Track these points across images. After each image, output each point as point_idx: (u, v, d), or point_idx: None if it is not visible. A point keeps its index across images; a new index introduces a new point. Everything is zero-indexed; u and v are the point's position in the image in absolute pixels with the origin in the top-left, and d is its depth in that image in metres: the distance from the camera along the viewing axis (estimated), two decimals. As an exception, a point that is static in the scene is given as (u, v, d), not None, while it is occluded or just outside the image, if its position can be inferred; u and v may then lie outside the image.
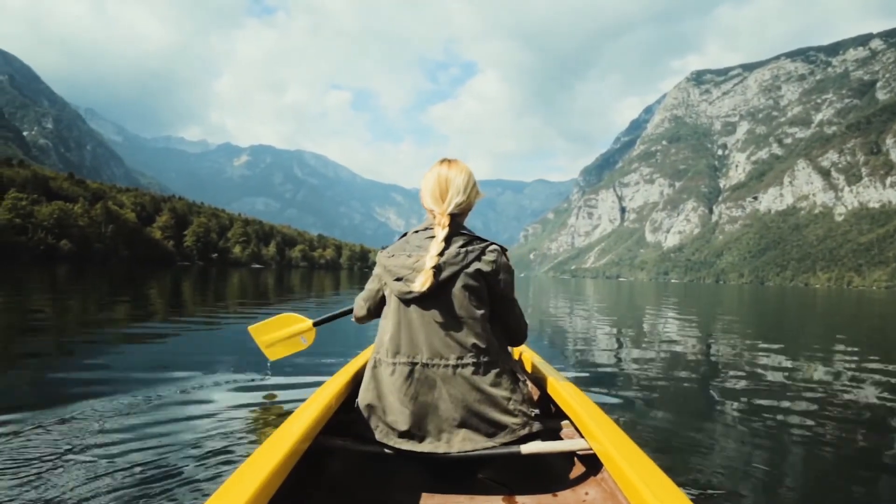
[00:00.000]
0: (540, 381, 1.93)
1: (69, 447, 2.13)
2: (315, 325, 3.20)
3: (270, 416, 2.75)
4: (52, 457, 2.03)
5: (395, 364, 1.51)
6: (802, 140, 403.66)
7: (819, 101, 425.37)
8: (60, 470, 1.91)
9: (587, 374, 4.41)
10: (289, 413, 1.52)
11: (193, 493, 1.74)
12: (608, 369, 4.80)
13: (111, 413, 2.64)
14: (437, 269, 1.48)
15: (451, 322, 1.49)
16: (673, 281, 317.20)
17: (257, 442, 2.29)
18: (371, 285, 1.69)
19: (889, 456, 2.55)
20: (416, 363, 1.49)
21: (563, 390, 1.70)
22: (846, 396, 3.82)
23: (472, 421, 1.47)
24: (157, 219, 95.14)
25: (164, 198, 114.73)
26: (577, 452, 1.53)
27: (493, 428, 1.47)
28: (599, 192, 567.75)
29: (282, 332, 3.26)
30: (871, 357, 6.01)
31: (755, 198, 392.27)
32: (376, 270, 1.65)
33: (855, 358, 5.88)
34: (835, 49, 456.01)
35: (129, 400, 2.90)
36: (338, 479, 1.52)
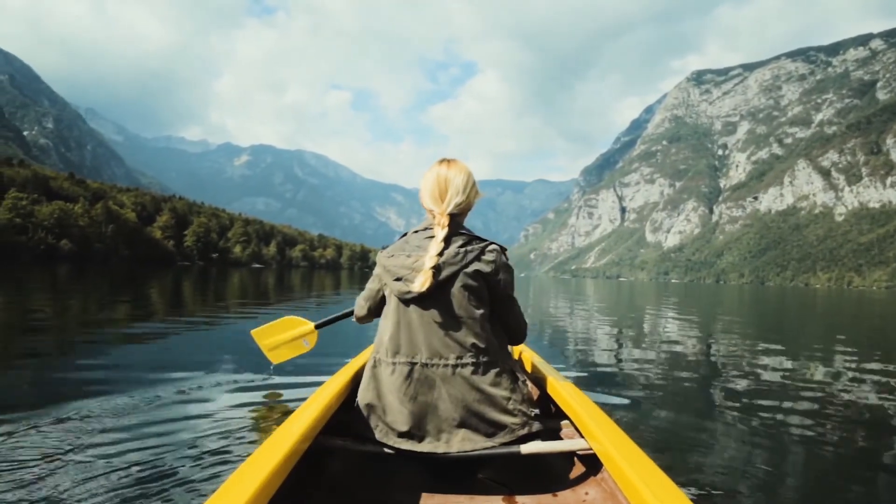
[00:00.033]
0: (540, 381, 1.93)
1: (68, 447, 2.13)
2: (317, 327, 3.21)
3: (270, 416, 2.75)
4: (52, 457, 2.03)
5: (394, 364, 1.51)
6: (803, 140, 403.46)
7: (819, 101, 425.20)
8: (60, 470, 1.91)
9: (587, 374, 4.41)
10: (289, 413, 1.52)
11: (194, 493, 1.75)
12: (608, 369, 4.80)
13: (111, 413, 2.64)
14: (437, 269, 1.48)
15: (451, 322, 1.49)
16: (673, 281, 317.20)
17: (257, 442, 2.28)
18: (371, 285, 1.70)
19: (889, 456, 2.55)
20: (416, 363, 1.49)
21: (562, 390, 1.70)
22: (846, 396, 3.82)
23: (472, 421, 1.47)
24: (158, 219, 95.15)
25: (164, 198, 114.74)
26: (577, 452, 1.53)
27: (493, 428, 1.47)
28: (600, 192, 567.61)
29: (284, 335, 3.27)
30: (872, 357, 6.01)
31: (755, 198, 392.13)
32: (376, 270, 1.65)
33: (855, 358, 5.87)
34: (835, 49, 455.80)
35: (129, 400, 2.90)
36: (338, 479, 1.52)
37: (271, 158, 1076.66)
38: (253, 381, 3.47)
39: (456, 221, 1.58)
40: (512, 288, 1.62)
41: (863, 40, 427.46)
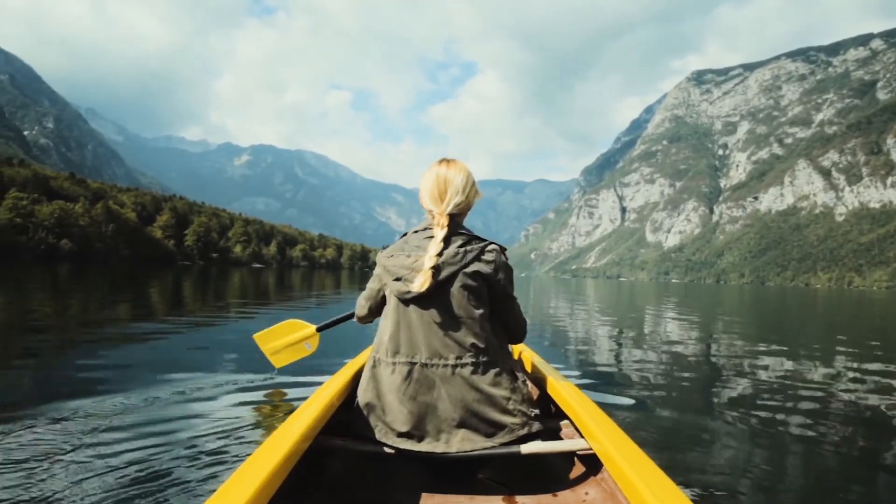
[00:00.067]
0: (540, 381, 1.93)
1: (68, 447, 2.13)
2: (318, 330, 3.22)
3: (270, 416, 2.75)
4: (52, 456, 2.03)
5: (394, 364, 1.51)
6: (803, 140, 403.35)
7: (819, 101, 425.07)
8: (59, 470, 1.91)
9: (587, 374, 4.40)
10: (289, 413, 1.52)
11: (194, 493, 1.74)
12: (608, 369, 4.79)
13: (111, 413, 2.64)
14: (436, 269, 1.48)
15: (450, 322, 1.49)
16: (673, 281, 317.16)
17: (257, 442, 2.28)
18: (372, 285, 1.69)
19: (889, 456, 2.55)
20: (415, 363, 1.49)
21: (562, 390, 1.70)
22: (846, 397, 3.82)
23: (472, 421, 1.47)
24: (158, 218, 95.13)
25: (164, 197, 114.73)
26: (577, 452, 1.53)
27: (493, 428, 1.47)
28: (600, 192, 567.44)
29: (286, 338, 3.29)
30: (872, 358, 6.01)
31: (756, 198, 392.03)
32: (377, 270, 1.65)
33: (855, 358, 5.87)
34: (835, 49, 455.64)
35: (129, 400, 2.90)
36: (338, 479, 1.52)
37: (271, 158, 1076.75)
38: (253, 380, 3.48)
39: (455, 221, 1.58)
40: (512, 287, 1.62)
41: (863, 40, 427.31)
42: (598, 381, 4.07)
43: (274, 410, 2.86)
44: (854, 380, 4.55)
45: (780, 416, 3.17)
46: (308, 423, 1.30)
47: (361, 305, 1.77)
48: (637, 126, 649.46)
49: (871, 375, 4.77)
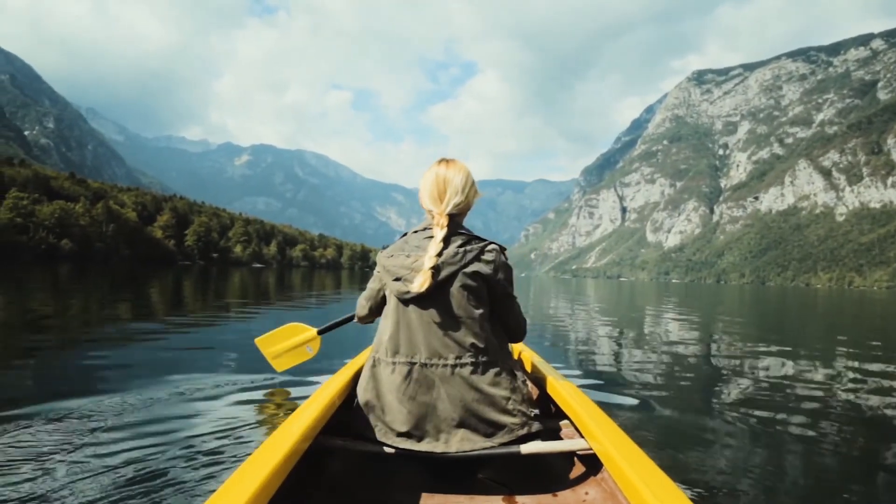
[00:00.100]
0: (539, 381, 1.93)
1: (67, 447, 2.13)
2: (320, 332, 3.23)
3: (270, 415, 2.75)
4: (51, 456, 2.02)
5: (394, 364, 1.51)
6: (803, 140, 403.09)
7: (820, 100, 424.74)
8: (58, 469, 1.90)
9: (587, 374, 4.40)
10: (289, 413, 1.52)
11: (193, 493, 1.74)
12: (608, 369, 4.79)
13: (110, 412, 2.63)
14: (436, 269, 1.48)
15: (450, 322, 1.49)
16: (674, 281, 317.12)
17: (257, 442, 2.26)
18: (372, 285, 1.70)
19: (889, 456, 2.55)
20: (415, 363, 1.49)
21: (562, 390, 1.70)
22: (847, 397, 3.81)
23: (471, 421, 1.47)
24: (159, 218, 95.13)
25: (165, 197, 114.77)
26: (577, 452, 1.53)
27: (492, 428, 1.47)
28: (600, 192, 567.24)
29: (288, 342, 3.30)
30: (872, 358, 6.01)
31: (756, 198, 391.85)
32: (377, 270, 1.66)
33: (856, 359, 5.87)
34: (836, 49, 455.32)
35: (129, 399, 2.89)
36: (338, 479, 1.52)
37: (272, 158, 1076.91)
38: (253, 381, 3.48)
39: (455, 221, 1.59)
40: (511, 287, 1.62)
41: (863, 40, 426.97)
42: (598, 381, 4.06)
43: (274, 410, 2.86)
44: (854, 380, 4.55)
45: (780, 416, 3.17)
46: (308, 422, 1.30)
47: (362, 305, 1.77)
48: (637, 126, 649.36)
49: (872, 376, 4.77)
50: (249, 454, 1.12)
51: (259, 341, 3.37)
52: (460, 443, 1.45)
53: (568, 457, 1.58)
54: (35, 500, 1.68)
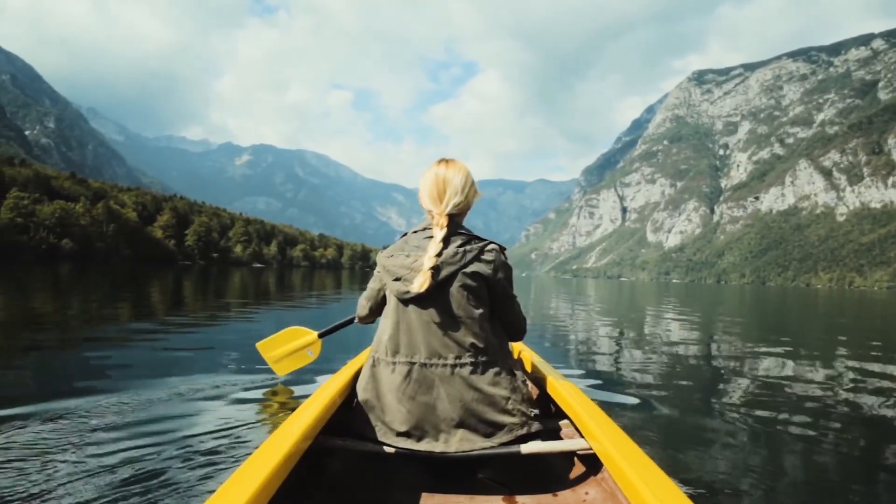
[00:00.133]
0: (539, 381, 1.94)
1: (67, 446, 2.13)
2: (320, 336, 3.23)
3: (270, 415, 2.75)
4: (50, 456, 2.02)
5: (393, 363, 1.52)
6: (804, 140, 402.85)
7: (821, 100, 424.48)
8: (57, 469, 1.90)
9: (587, 374, 4.40)
10: (289, 413, 1.52)
11: (193, 493, 1.74)
12: (608, 369, 4.78)
13: (110, 412, 2.63)
14: (436, 269, 1.48)
15: (450, 322, 1.50)
16: (674, 281, 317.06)
17: (257, 442, 2.25)
18: (373, 285, 1.70)
19: (889, 456, 2.56)
20: (415, 363, 1.49)
21: (562, 390, 1.70)
22: (847, 397, 3.81)
23: (471, 421, 1.46)
24: (159, 218, 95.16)
25: (165, 197, 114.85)
26: (577, 452, 1.53)
27: (492, 428, 1.47)
28: (601, 192, 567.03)
29: (289, 346, 3.30)
30: (873, 358, 6.01)
31: (756, 198, 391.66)
32: (377, 270, 1.66)
33: (856, 359, 5.87)
34: (836, 49, 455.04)
35: (129, 399, 2.89)
36: (338, 479, 1.52)
37: (272, 158, 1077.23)
38: (253, 381, 3.48)
39: (455, 221, 1.59)
40: (511, 286, 1.62)
41: (864, 40, 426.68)
42: (598, 381, 4.06)
43: (274, 410, 2.87)
44: (854, 380, 4.55)
45: (780, 416, 3.16)
46: (308, 422, 1.30)
47: (363, 305, 1.78)
48: (638, 126, 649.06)
49: (872, 376, 4.77)
50: (249, 454, 1.12)
51: (260, 346, 3.35)
52: (460, 443, 1.45)
53: (568, 457, 1.58)
54: (35, 499, 1.67)
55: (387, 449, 1.48)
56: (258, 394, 3.18)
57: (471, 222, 1.69)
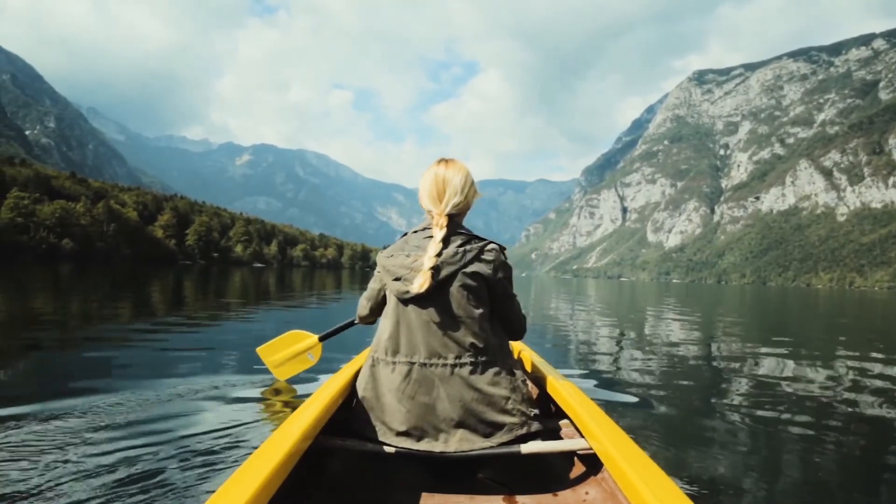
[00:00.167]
0: (539, 381, 1.94)
1: (66, 446, 2.13)
2: (321, 339, 3.23)
3: (270, 415, 2.75)
4: (50, 455, 2.02)
5: (393, 363, 1.52)
6: (804, 140, 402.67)
7: (821, 100, 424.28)
8: (57, 469, 1.90)
9: (587, 374, 4.40)
10: (289, 413, 1.52)
11: (193, 493, 1.74)
12: (608, 369, 4.78)
13: (110, 412, 2.62)
14: (435, 269, 1.48)
15: (449, 322, 1.50)
16: (674, 281, 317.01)
17: (257, 442, 2.25)
18: (373, 285, 1.71)
19: (889, 456, 2.56)
20: (415, 363, 1.49)
21: (562, 389, 1.69)
22: (847, 397, 3.81)
23: (470, 421, 1.46)
24: (159, 218, 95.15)
25: (165, 197, 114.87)
26: (577, 452, 1.53)
27: (491, 428, 1.47)
28: (601, 192, 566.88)
29: (289, 350, 3.30)
30: (873, 359, 6.01)
31: (757, 198, 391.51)
32: (377, 270, 1.66)
33: (856, 359, 5.88)
34: (837, 49, 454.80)
35: (129, 399, 2.89)
36: (338, 479, 1.52)
37: (273, 158, 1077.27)
38: (253, 381, 3.48)
39: (455, 221, 1.59)
40: (511, 286, 1.63)
41: (865, 40, 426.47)
42: (598, 381, 4.06)
43: (274, 410, 2.87)
44: (855, 380, 4.55)
45: (780, 416, 3.16)
46: (308, 422, 1.30)
47: (363, 305, 1.78)
48: (638, 126, 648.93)
49: (872, 376, 4.77)
50: (249, 454, 1.12)
51: (261, 350, 3.35)
52: (460, 442, 1.45)
53: (568, 456, 1.58)
54: (35, 499, 1.67)
55: (387, 449, 1.48)
56: (258, 394, 3.17)
57: (471, 222, 1.69)
